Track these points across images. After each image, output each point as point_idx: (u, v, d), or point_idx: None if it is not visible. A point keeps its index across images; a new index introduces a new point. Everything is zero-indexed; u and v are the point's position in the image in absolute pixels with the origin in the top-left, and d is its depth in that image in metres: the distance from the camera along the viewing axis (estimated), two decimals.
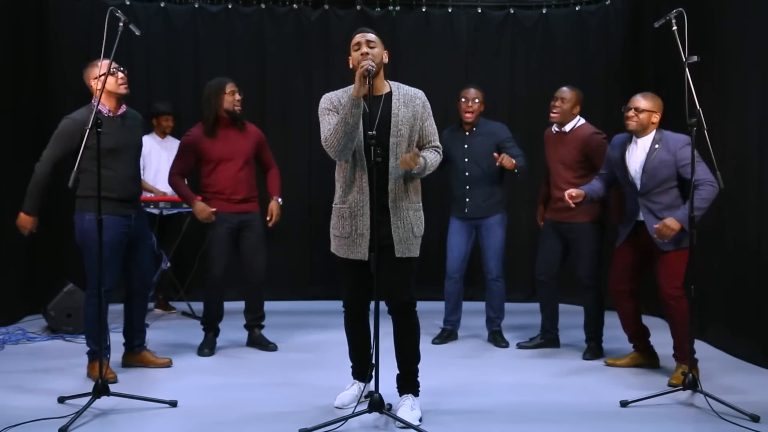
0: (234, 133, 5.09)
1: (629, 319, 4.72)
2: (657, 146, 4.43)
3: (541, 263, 5.23)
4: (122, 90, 4.36)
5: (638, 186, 4.48)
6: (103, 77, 4.11)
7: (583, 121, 5.10)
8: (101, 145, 4.00)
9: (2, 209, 5.89)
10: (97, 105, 3.92)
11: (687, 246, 4.34)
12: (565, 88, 5.09)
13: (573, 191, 4.58)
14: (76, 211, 4.36)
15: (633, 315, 4.70)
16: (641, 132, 4.48)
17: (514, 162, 5.05)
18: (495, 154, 5.09)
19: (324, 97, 3.75)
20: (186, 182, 5.13)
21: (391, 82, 3.78)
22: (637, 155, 4.50)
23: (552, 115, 5.09)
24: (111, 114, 4.36)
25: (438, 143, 3.84)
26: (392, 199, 3.67)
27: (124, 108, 4.45)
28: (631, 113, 4.47)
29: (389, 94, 3.72)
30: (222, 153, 5.04)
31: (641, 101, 4.46)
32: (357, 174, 3.67)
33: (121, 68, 4.37)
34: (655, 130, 4.48)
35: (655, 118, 4.46)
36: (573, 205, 4.61)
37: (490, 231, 5.36)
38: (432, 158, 3.75)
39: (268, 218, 5.17)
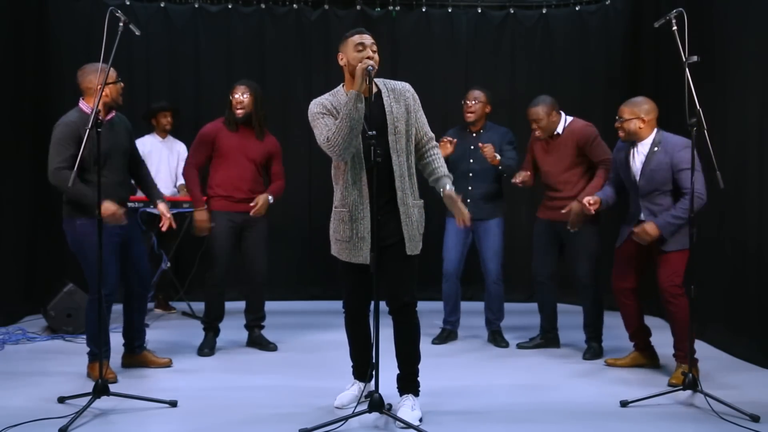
0: (249, 135, 5.12)
1: (631, 317, 4.72)
2: (656, 149, 4.45)
3: (538, 263, 5.23)
4: (121, 100, 4.43)
5: (638, 188, 4.50)
6: (106, 84, 4.15)
7: (570, 118, 5.11)
8: (92, 150, 4.05)
9: (2, 209, 5.90)
10: (96, 106, 3.90)
11: (681, 248, 4.39)
12: (533, 108, 5.03)
13: (590, 198, 4.61)
14: (64, 218, 4.34)
15: (635, 313, 4.70)
16: (635, 137, 4.51)
17: (496, 157, 5.09)
18: (480, 144, 5.12)
19: (314, 102, 3.72)
20: (198, 180, 5.09)
21: (376, 80, 3.75)
22: (638, 158, 4.53)
23: (537, 134, 5.09)
24: (101, 119, 4.35)
25: (431, 132, 3.85)
26: (400, 197, 3.67)
27: (112, 114, 4.45)
28: (617, 124, 4.54)
29: (378, 93, 3.72)
30: (232, 148, 5.05)
31: (623, 110, 4.53)
32: (356, 176, 3.67)
33: (120, 79, 4.41)
34: (654, 133, 4.49)
35: (641, 123, 4.47)
36: (593, 212, 4.63)
37: (489, 233, 5.36)
38: (441, 161, 3.83)
39: (252, 204, 5.06)
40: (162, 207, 4.59)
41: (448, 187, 3.75)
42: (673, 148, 4.39)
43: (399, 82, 3.80)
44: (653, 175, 4.44)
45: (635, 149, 4.54)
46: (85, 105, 4.34)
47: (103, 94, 4.17)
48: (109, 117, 4.40)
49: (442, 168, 3.81)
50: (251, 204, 5.06)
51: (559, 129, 5.07)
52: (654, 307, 5.78)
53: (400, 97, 3.73)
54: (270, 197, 5.13)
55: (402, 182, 3.68)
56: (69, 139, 4.19)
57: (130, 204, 4.74)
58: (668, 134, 4.49)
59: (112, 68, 4.18)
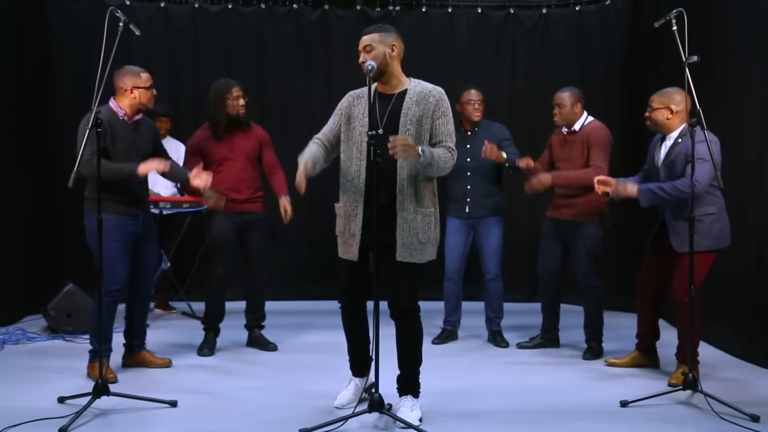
0: (238, 133, 5.11)
1: (644, 318, 4.69)
2: (680, 140, 4.39)
3: (543, 262, 5.22)
4: (151, 106, 4.50)
5: (660, 179, 4.46)
6: (138, 88, 4.36)
7: (591, 118, 5.10)
8: (115, 148, 4.24)
9: (2, 209, 5.90)
10: (95, 104, 3.90)
11: (703, 249, 4.25)
12: (561, 93, 5.06)
13: (602, 177, 4.50)
14: (85, 214, 4.36)
15: (649, 315, 4.68)
16: (662, 128, 4.47)
17: (502, 155, 5.06)
18: (485, 145, 5.10)
19: (348, 94, 3.80)
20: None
21: (412, 80, 3.74)
22: (664, 150, 4.48)
23: (555, 120, 5.08)
24: (126, 119, 4.40)
25: (451, 144, 3.65)
26: (400, 201, 3.63)
27: (139, 116, 4.50)
28: (646, 113, 4.49)
29: (404, 92, 3.69)
30: (224, 153, 5.04)
31: (653, 99, 4.48)
32: (354, 174, 3.67)
33: (153, 86, 4.50)
34: (683, 125, 4.41)
35: (669, 114, 4.40)
36: (599, 191, 4.49)
37: (489, 231, 5.37)
38: (440, 154, 3.56)
39: (282, 213, 5.07)
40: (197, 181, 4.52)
41: (420, 148, 3.50)
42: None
43: (430, 85, 3.71)
44: (672, 166, 4.37)
45: (665, 142, 4.49)
46: (114, 104, 4.41)
47: (132, 96, 4.38)
48: (136, 119, 4.46)
49: (439, 150, 3.57)
50: (282, 214, 5.07)
51: (577, 126, 5.05)
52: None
53: (422, 100, 3.65)
54: (287, 198, 5.10)
55: (403, 187, 3.62)
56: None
57: None
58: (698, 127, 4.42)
59: (147, 74, 4.42)
